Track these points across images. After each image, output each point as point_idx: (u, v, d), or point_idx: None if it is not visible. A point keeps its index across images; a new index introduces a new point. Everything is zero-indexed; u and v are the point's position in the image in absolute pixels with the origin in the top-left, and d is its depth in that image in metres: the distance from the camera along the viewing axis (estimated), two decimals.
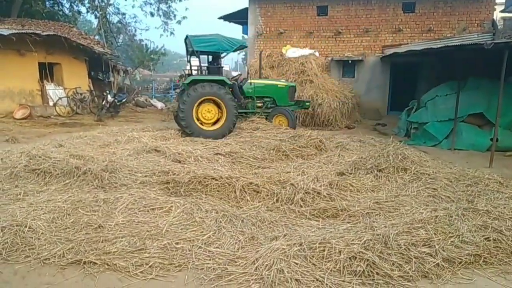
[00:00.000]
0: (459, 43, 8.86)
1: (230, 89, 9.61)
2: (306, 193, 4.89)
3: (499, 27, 13.18)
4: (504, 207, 4.66)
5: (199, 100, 9.08)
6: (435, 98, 10.29)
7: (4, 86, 13.31)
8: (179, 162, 6.43)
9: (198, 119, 9.22)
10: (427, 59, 12.61)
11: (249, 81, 10.53)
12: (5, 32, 12.43)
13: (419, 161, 6.54)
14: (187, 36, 9.45)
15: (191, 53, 9.63)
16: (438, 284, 3.18)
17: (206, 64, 10.24)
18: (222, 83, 9.36)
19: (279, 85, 10.67)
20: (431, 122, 9.95)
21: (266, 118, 10.12)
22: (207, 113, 9.29)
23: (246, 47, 10.19)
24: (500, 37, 8.27)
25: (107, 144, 7.85)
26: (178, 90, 12.82)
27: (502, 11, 19.41)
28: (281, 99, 10.51)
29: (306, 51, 14.64)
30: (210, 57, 10.09)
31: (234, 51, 10.13)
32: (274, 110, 10.33)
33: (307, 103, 11.24)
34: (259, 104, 10.44)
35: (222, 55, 9.94)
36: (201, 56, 9.71)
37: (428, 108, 10.30)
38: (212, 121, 9.35)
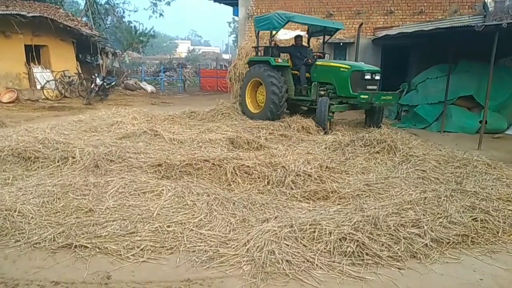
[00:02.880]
0: (450, 25, 8.85)
1: (296, 72, 9.21)
2: (297, 175, 4.91)
3: (490, 10, 13.15)
4: (492, 188, 4.74)
5: (251, 82, 9.32)
6: (426, 80, 10.34)
7: None
8: (174, 144, 6.44)
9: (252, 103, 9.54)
10: (418, 42, 12.57)
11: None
12: None
13: (409, 143, 6.61)
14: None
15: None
16: (426, 264, 3.23)
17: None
18: (267, 63, 9.03)
19: (341, 68, 8.45)
20: (421, 104, 10.01)
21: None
22: (260, 95, 9.31)
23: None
24: (491, 20, 8.28)
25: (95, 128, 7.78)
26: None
27: None
28: (342, 88, 8.35)
29: (298, 33, 14.49)
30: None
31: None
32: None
33: (391, 98, 8.48)
34: (322, 92, 8.71)
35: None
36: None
37: (419, 90, 10.34)
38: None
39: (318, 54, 9.66)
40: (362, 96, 7.91)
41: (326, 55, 9.89)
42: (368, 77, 8.18)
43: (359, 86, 8.12)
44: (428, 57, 12.35)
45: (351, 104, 8.49)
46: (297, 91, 9.17)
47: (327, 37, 10.12)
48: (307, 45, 10.44)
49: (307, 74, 9.08)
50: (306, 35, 10.48)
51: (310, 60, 9.12)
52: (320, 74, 8.76)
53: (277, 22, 8.83)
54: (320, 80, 8.74)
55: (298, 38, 9.89)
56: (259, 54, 9.72)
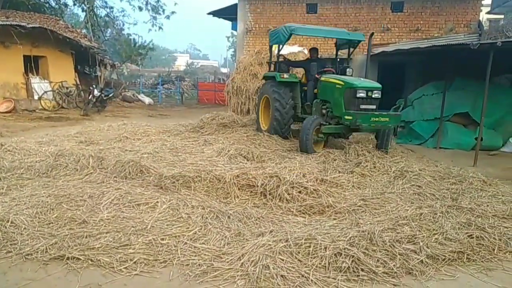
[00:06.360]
0: (445, 43, 8.96)
1: (304, 88, 8.56)
2: (291, 187, 4.88)
3: (485, 28, 13.34)
4: (487, 205, 4.74)
5: (263, 99, 8.89)
6: (422, 97, 10.41)
7: None
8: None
9: None
10: (415, 59, 12.73)
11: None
12: None
13: (405, 159, 6.62)
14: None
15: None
16: (422, 281, 3.21)
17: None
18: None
19: (336, 85, 7.42)
20: (417, 121, 10.07)
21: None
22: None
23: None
24: (486, 38, 8.38)
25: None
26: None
27: (488, 13, 19.72)
28: (336, 106, 7.37)
29: (295, 48, 14.59)
30: None
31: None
32: None
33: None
34: (324, 111, 7.78)
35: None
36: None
37: (415, 107, 10.41)
38: None
39: (327, 69, 8.51)
40: (345, 117, 6.96)
41: (348, 69, 8.58)
42: (361, 94, 7.05)
43: (353, 105, 7.05)
44: (424, 74, 12.46)
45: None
46: (303, 108, 8.58)
47: (351, 49, 9.07)
48: (331, 58, 9.67)
49: (316, 91, 8.23)
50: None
51: (317, 75, 8.19)
52: (322, 91, 7.84)
53: (282, 35, 8.17)
54: (322, 97, 7.83)
55: (312, 51, 9.26)
56: (271, 69, 9.21)
